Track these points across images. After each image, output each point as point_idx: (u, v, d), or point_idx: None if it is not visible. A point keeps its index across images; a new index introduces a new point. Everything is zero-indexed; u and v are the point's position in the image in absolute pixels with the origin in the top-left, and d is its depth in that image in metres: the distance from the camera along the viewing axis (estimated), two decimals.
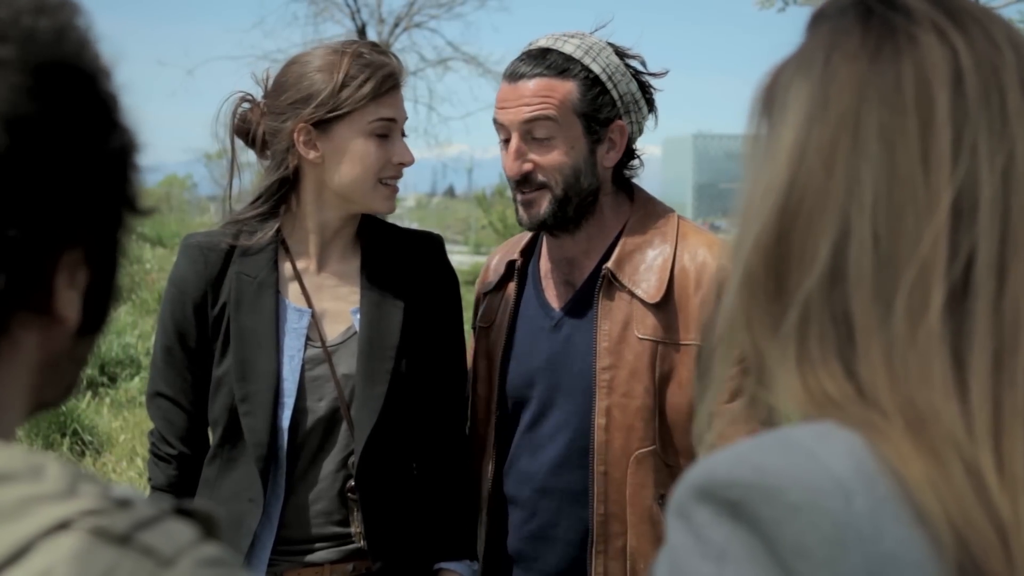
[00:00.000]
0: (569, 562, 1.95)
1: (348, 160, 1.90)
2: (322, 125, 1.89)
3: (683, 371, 1.88)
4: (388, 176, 1.93)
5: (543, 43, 1.94)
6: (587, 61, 1.90)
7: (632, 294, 1.90)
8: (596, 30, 1.98)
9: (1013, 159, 0.71)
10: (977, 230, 0.70)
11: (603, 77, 1.91)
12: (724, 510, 0.66)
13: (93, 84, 0.66)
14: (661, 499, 1.89)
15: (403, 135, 1.96)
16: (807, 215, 0.73)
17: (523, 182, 1.92)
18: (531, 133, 1.90)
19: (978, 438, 0.67)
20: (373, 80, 1.88)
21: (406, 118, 1.96)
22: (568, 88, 1.89)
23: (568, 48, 1.91)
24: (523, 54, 1.95)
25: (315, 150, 1.91)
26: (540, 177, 1.91)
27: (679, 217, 1.99)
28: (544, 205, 1.92)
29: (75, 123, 0.64)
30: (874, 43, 0.74)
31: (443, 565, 2.01)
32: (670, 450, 1.89)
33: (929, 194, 0.70)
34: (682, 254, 1.91)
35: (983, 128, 0.71)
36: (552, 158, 1.90)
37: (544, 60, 1.91)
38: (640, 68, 1.98)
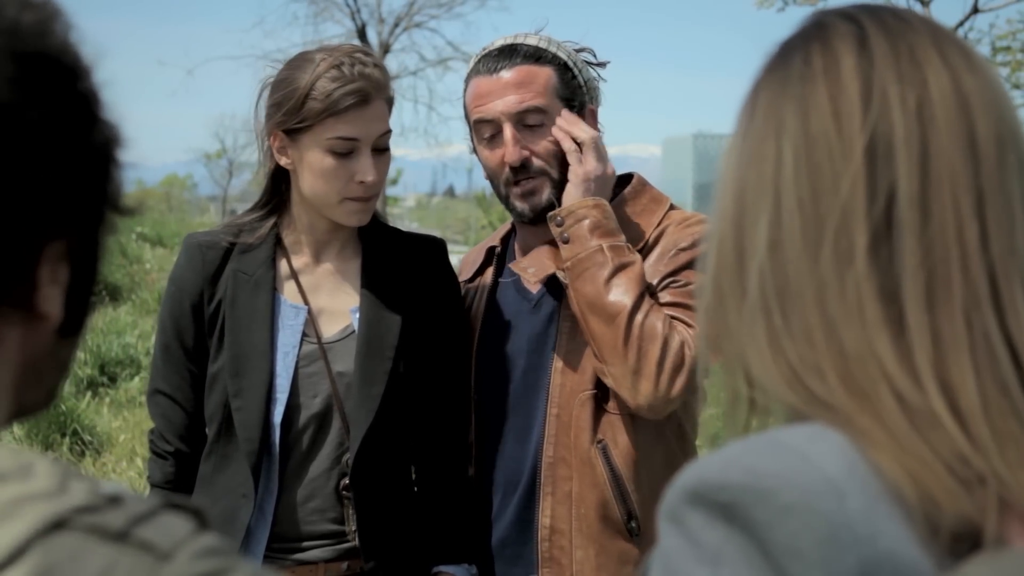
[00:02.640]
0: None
1: (312, 173, 1.89)
2: (291, 134, 1.88)
3: None
4: (351, 194, 1.89)
5: (502, 42, 1.98)
6: (553, 50, 1.96)
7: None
8: (537, 32, 2.02)
9: (927, 97, 0.72)
10: (896, 168, 0.71)
11: (570, 63, 1.97)
12: (717, 513, 0.66)
13: (75, 78, 0.66)
14: (600, 444, 1.90)
15: (382, 149, 1.91)
16: (752, 206, 0.76)
17: (521, 170, 1.94)
18: (523, 121, 1.93)
19: (921, 376, 0.68)
20: (335, 96, 1.83)
21: (381, 132, 1.90)
22: (547, 73, 1.94)
23: (532, 41, 1.96)
24: (489, 52, 1.98)
25: (286, 157, 1.91)
26: (536, 164, 1.94)
27: (671, 203, 2.04)
28: (546, 192, 1.94)
29: (58, 112, 0.64)
30: (788, 46, 0.78)
31: (441, 569, 2.00)
32: (608, 392, 1.90)
33: (843, 143, 0.72)
34: (667, 222, 1.96)
35: (891, 75, 0.73)
36: (546, 144, 1.93)
37: (517, 52, 1.95)
38: (591, 59, 2.03)
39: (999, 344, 0.69)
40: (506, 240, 2.13)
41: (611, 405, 1.90)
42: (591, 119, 2.00)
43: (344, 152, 1.87)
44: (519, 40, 1.97)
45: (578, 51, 2.01)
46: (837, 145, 0.72)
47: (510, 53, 1.95)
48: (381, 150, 1.91)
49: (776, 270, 0.74)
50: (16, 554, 0.55)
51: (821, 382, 0.70)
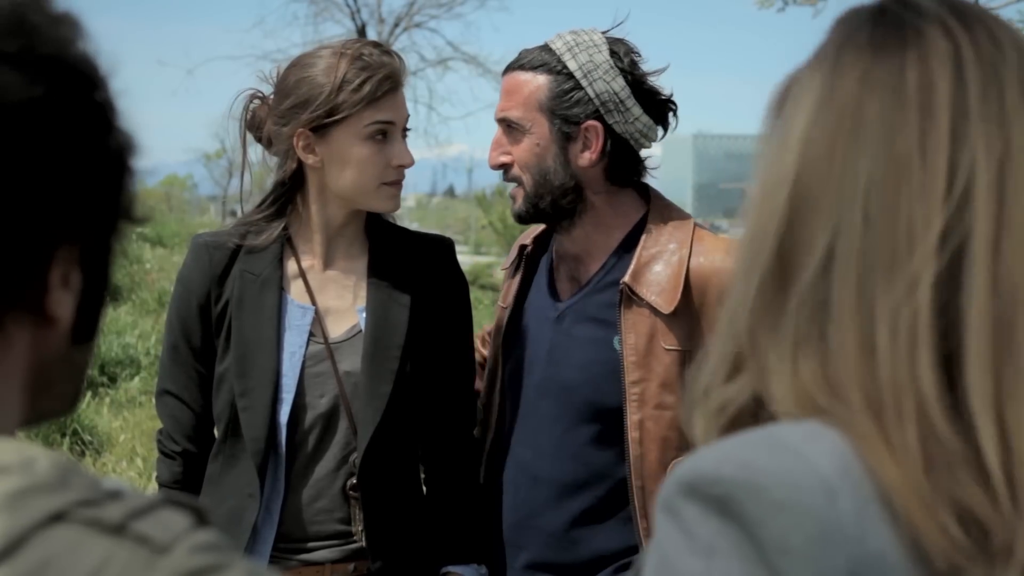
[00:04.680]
0: (548, 554, 1.96)
1: (347, 165, 1.91)
2: (320, 130, 1.89)
3: None
4: (388, 179, 1.93)
5: (540, 43, 1.98)
6: (566, 58, 1.90)
7: (651, 306, 1.88)
8: (611, 28, 1.98)
9: (1009, 149, 0.72)
10: (973, 213, 0.71)
11: (578, 75, 1.89)
12: (711, 506, 0.66)
13: (93, 86, 0.67)
14: None
15: (405, 132, 1.96)
16: (812, 204, 0.74)
17: (503, 173, 1.98)
18: (507, 127, 1.95)
19: (978, 424, 0.67)
20: (370, 83, 1.87)
21: (407, 116, 1.96)
22: (536, 83, 1.92)
23: (557, 44, 1.93)
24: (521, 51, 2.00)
25: (314, 155, 1.91)
26: (514, 171, 1.95)
27: (696, 223, 1.97)
28: (520, 200, 1.96)
29: (74, 117, 0.65)
30: (881, 36, 0.76)
31: (450, 569, 2.01)
32: None
33: (926, 177, 0.71)
34: (697, 259, 1.89)
35: (980, 118, 0.72)
36: (519, 152, 1.94)
37: (528, 55, 1.95)
38: (629, 68, 1.92)
39: None
40: (539, 239, 2.10)
41: None
42: (592, 134, 1.90)
43: (380, 138, 1.90)
44: (551, 41, 1.95)
45: (623, 57, 1.92)
46: (919, 177, 0.71)
47: (521, 56, 1.96)
48: (405, 134, 1.97)
49: (823, 286, 0.73)
50: (15, 545, 0.55)
51: (836, 401, 0.70)
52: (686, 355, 1.87)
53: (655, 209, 1.98)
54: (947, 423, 0.67)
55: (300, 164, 1.94)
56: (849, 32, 0.78)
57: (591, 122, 1.90)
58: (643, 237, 1.93)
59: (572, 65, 1.90)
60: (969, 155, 0.72)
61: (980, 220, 0.70)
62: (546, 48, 1.94)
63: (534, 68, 1.92)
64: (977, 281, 0.70)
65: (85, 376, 0.74)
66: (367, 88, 1.86)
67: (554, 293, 2.02)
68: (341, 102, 1.87)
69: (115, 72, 0.68)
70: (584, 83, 1.90)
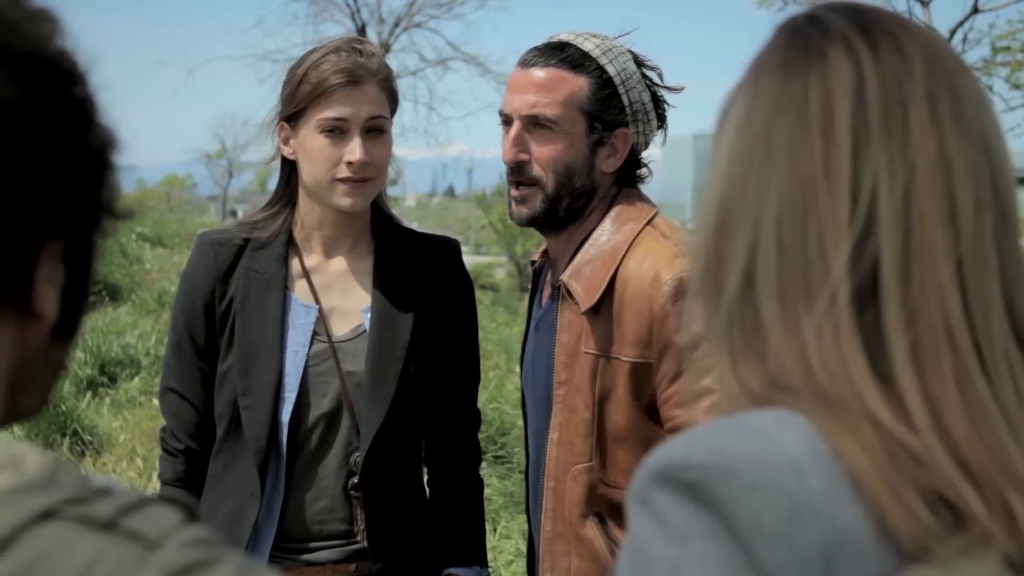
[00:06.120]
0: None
1: (307, 157, 1.93)
2: (291, 120, 1.93)
3: (620, 387, 1.80)
4: (341, 175, 1.91)
5: (563, 37, 1.90)
6: (603, 61, 1.86)
7: (578, 304, 1.84)
8: (619, 36, 1.94)
9: (914, 175, 0.73)
10: (879, 237, 0.72)
11: (616, 80, 1.86)
12: (684, 493, 0.68)
13: (72, 82, 0.67)
14: (597, 516, 1.83)
15: (377, 132, 1.92)
16: (732, 226, 0.77)
17: (516, 171, 1.88)
18: (533, 123, 1.86)
19: (916, 423, 0.69)
20: (324, 77, 1.88)
21: (372, 115, 1.91)
22: (579, 84, 1.85)
23: (587, 46, 1.87)
24: (541, 44, 1.91)
25: (289, 146, 1.96)
26: (533, 170, 1.86)
27: (649, 223, 1.88)
28: (536, 203, 1.87)
29: (53, 113, 0.65)
30: (791, 58, 0.78)
31: (452, 571, 2.02)
32: (608, 466, 1.82)
33: (831, 202, 0.73)
34: (627, 263, 1.82)
35: (882, 142, 0.74)
36: (548, 152, 1.85)
37: (561, 52, 1.86)
38: (656, 80, 1.93)
39: (994, 411, 0.70)
40: (545, 253, 2.06)
41: (610, 478, 1.82)
42: (620, 142, 1.87)
43: (335, 133, 1.90)
44: (576, 40, 1.87)
45: (645, 67, 1.91)
46: (825, 202, 0.74)
47: (553, 52, 1.86)
48: (376, 133, 1.92)
49: (749, 305, 0.75)
50: (5, 543, 0.55)
51: (785, 395, 0.72)
52: (599, 360, 1.81)
53: (616, 206, 1.91)
54: (902, 427, 0.69)
55: (285, 157, 1.98)
56: (767, 53, 0.80)
57: (622, 130, 1.88)
58: (592, 234, 1.88)
59: (611, 71, 1.85)
60: (871, 180, 0.73)
61: (886, 250, 0.72)
62: (575, 48, 1.86)
63: (574, 67, 1.84)
64: (889, 306, 0.72)
65: (61, 375, 0.74)
66: (319, 81, 1.88)
67: (537, 303, 2.02)
68: (299, 94, 1.90)
69: (95, 68, 0.69)
70: (621, 90, 1.86)
